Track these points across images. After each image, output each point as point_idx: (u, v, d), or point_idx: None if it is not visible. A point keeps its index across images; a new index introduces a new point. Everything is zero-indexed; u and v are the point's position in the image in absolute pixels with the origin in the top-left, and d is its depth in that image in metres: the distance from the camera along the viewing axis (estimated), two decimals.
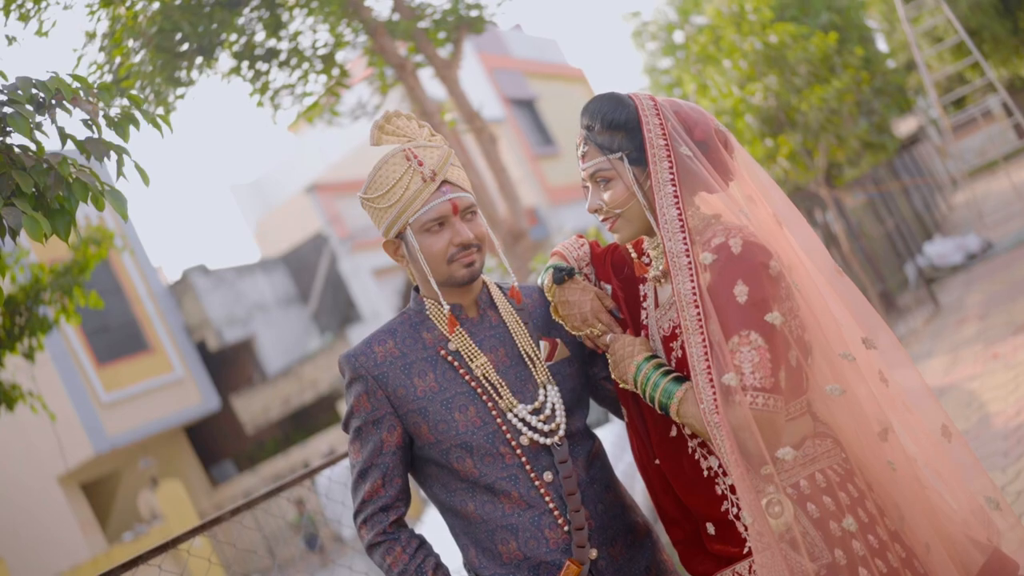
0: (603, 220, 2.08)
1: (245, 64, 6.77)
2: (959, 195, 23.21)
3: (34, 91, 2.39)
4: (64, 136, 2.51)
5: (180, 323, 18.16)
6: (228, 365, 19.51)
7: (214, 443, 19.54)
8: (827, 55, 10.63)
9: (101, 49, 5.89)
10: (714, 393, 1.80)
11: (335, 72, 7.16)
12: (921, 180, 18.69)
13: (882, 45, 24.06)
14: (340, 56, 7.23)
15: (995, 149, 18.45)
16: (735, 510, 1.92)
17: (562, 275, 2.19)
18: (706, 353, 1.83)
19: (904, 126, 29.27)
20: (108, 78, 5.92)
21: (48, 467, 15.21)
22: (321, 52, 7.04)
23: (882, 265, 11.81)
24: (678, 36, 21.91)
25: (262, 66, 6.85)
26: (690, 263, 1.89)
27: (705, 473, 1.97)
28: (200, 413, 17.87)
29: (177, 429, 18.25)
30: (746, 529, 1.90)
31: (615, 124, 2.00)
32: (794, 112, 10.14)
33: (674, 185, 1.93)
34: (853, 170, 14.42)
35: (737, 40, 10.45)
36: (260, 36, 6.72)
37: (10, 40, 4.33)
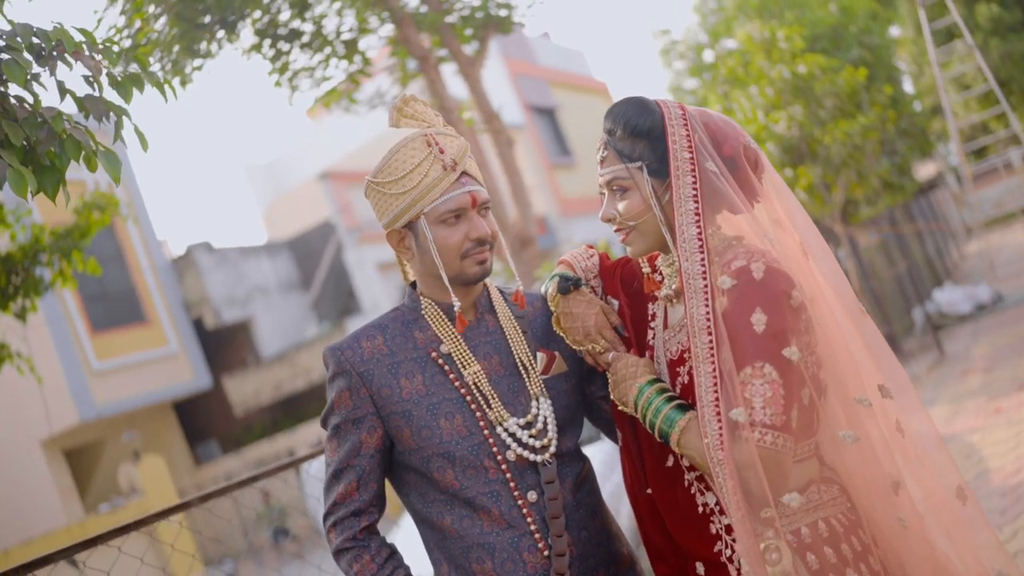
0: (616, 231, 1.96)
1: (267, 42, 6.70)
2: (973, 244, 23.08)
3: (34, 40, 2.27)
4: (63, 91, 2.39)
5: (179, 298, 18.08)
6: (223, 345, 19.42)
7: (201, 422, 19.44)
8: (855, 90, 10.53)
9: (122, 12, 5.80)
10: (720, 427, 1.68)
11: (357, 59, 7.09)
12: (936, 226, 18.56)
13: (908, 87, 23.96)
14: (363, 43, 7.16)
15: (1013, 201, 18.33)
16: (729, 552, 1.80)
17: (568, 285, 2.07)
18: (715, 384, 1.70)
19: (924, 170, 29.15)
20: (127, 43, 5.83)
21: (33, 430, 15.11)
22: (345, 37, 6.97)
23: (890, 308, 11.68)
24: (707, 56, 21.84)
25: (284, 46, 6.79)
26: (706, 286, 1.76)
27: (700, 509, 1.85)
28: (190, 390, 17.77)
29: (165, 404, 18.15)
30: (739, 573, 1.78)
31: (638, 131, 1.88)
32: (817, 144, 10.02)
33: (696, 202, 1.81)
34: (869, 209, 14.29)
35: (766, 67, 10.34)
36: (285, 15, 6.65)
37: None
